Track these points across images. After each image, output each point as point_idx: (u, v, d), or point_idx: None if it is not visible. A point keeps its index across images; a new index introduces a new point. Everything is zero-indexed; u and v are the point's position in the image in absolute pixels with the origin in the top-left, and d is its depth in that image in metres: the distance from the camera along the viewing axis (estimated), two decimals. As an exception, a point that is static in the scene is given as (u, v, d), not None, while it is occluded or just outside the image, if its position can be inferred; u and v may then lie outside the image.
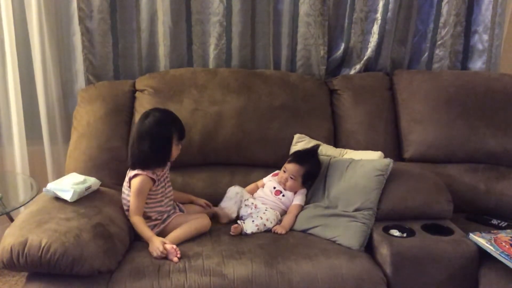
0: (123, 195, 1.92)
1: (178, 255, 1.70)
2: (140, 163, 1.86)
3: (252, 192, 2.14)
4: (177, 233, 1.84)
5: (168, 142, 1.88)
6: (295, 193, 2.11)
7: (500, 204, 2.19)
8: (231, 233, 1.90)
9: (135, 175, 1.86)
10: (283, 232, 1.95)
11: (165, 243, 1.75)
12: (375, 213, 1.90)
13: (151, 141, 1.84)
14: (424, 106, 2.34)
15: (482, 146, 2.29)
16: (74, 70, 2.45)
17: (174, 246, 1.72)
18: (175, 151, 1.92)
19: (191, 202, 2.11)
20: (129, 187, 1.88)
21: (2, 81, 2.37)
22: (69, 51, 2.44)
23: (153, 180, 1.87)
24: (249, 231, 1.91)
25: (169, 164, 1.99)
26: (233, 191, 2.08)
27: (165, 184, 1.96)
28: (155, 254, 1.72)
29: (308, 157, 2.11)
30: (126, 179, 1.92)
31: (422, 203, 1.94)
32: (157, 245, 1.74)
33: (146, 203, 1.89)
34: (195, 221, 1.90)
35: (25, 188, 2.32)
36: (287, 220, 2.01)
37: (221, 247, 1.80)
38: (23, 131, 2.42)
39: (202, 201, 2.11)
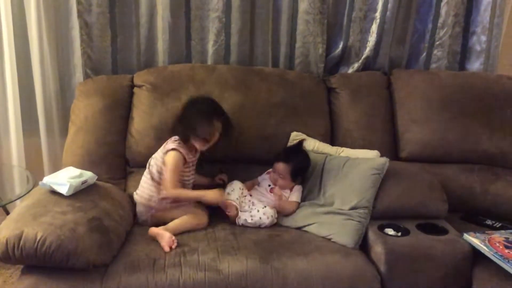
0: (153, 160, 1.97)
1: (173, 246, 1.73)
2: (184, 129, 1.92)
3: (249, 190, 2.14)
4: (177, 224, 1.86)
5: (209, 113, 1.94)
6: (291, 190, 2.12)
7: (495, 205, 2.19)
8: (227, 212, 1.95)
9: (173, 149, 1.91)
10: (280, 195, 2.04)
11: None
12: (370, 211, 1.91)
13: (202, 114, 1.93)
14: (421, 105, 2.35)
15: (478, 147, 2.30)
16: (72, 64, 2.45)
17: (173, 237, 1.75)
18: (214, 137, 1.95)
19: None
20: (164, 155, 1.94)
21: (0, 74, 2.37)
22: (67, 45, 2.43)
23: (185, 160, 1.92)
24: (242, 219, 1.95)
25: (198, 153, 2.04)
26: (237, 185, 2.08)
27: (191, 170, 2.00)
28: (215, 201, 1.89)
29: (293, 154, 2.13)
30: (162, 148, 1.97)
31: (418, 202, 1.95)
32: (215, 194, 1.89)
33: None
34: (194, 216, 1.92)
35: (21, 181, 2.31)
36: (286, 201, 2.07)
37: (216, 242, 1.81)
38: (20, 124, 2.41)
39: (218, 179, 2.17)
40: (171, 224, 1.86)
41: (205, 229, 1.92)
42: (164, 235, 1.77)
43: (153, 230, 1.80)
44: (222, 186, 2.10)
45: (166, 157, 1.94)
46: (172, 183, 1.90)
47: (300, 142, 2.19)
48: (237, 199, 2.01)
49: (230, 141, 2.06)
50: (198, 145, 1.96)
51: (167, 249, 1.72)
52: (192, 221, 1.91)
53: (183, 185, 1.98)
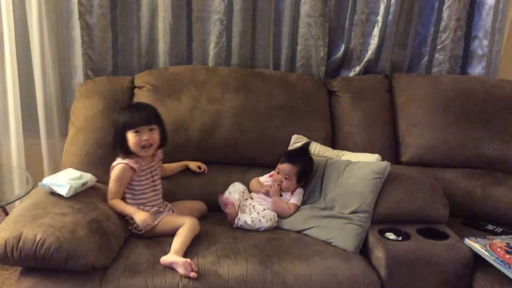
0: None
1: (195, 269, 1.62)
2: (115, 151, 1.92)
3: (257, 189, 2.13)
4: (181, 243, 1.74)
5: (121, 128, 1.89)
6: (292, 193, 2.11)
7: (496, 210, 2.18)
8: (225, 209, 1.95)
9: (116, 164, 1.90)
10: (273, 190, 2.04)
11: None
12: (371, 215, 1.90)
13: (114, 128, 1.93)
14: (423, 109, 2.34)
15: (479, 151, 2.29)
16: (73, 65, 2.45)
17: (188, 260, 1.63)
18: (133, 139, 1.87)
19: (187, 167, 2.16)
20: None
21: (0, 74, 2.36)
22: (68, 46, 2.43)
23: (133, 169, 1.88)
24: (241, 220, 1.94)
25: (158, 156, 2.01)
26: (240, 187, 2.08)
27: (153, 177, 1.96)
28: (142, 226, 1.79)
29: (300, 156, 2.13)
30: (111, 167, 1.94)
31: (418, 207, 1.94)
32: (143, 216, 1.79)
33: (130, 192, 1.91)
34: (187, 227, 1.82)
35: (20, 182, 2.31)
36: (283, 202, 2.06)
37: (216, 246, 1.80)
38: (20, 125, 2.41)
39: (195, 164, 2.16)
40: (176, 246, 1.72)
41: (205, 232, 1.91)
42: (178, 262, 1.63)
43: (165, 260, 1.66)
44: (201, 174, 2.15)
45: (112, 170, 1.91)
46: (111, 194, 1.88)
47: (307, 144, 2.19)
48: (237, 199, 2.01)
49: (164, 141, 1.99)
50: (137, 159, 1.91)
51: (194, 275, 1.60)
52: (189, 231, 1.82)
53: (149, 194, 1.94)
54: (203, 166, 2.19)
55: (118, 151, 1.91)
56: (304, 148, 2.17)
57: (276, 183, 2.09)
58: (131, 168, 1.88)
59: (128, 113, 1.91)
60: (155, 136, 1.92)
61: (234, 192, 2.05)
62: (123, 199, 1.92)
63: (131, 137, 1.88)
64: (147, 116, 1.91)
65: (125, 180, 1.89)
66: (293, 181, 2.09)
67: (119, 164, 1.89)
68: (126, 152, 1.90)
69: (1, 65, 2.35)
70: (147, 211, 1.88)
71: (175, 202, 2.07)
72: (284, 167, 2.10)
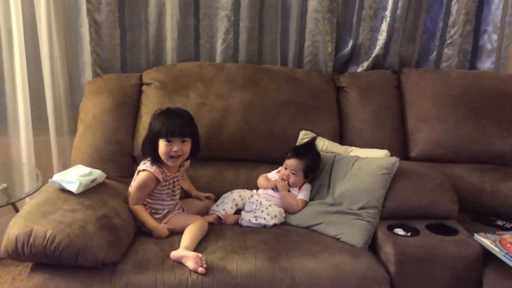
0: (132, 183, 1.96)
1: (204, 265, 1.61)
2: (144, 154, 1.92)
3: (264, 185, 2.13)
4: (190, 240, 1.74)
5: (154, 136, 1.89)
6: (299, 188, 2.11)
7: (506, 205, 2.17)
8: (226, 222, 1.96)
9: (144, 170, 1.89)
10: (281, 185, 2.05)
11: (168, 229, 1.86)
12: (380, 211, 1.90)
13: (147, 133, 1.94)
14: (432, 105, 2.33)
15: (489, 147, 2.28)
16: (81, 62, 2.46)
17: (199, 255, 1.63)
18: (163, 147, 1.86)
19: (191, 195, 2.13)
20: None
21: (9, 71, 2.37)
22: (76, 43, 2.44)
23: (158, 181, 1.89)
24: (245, 219, 1.94)
25: (184, 166, 2.02)
26: (230, 197, 2.05)
27: (174, 186, 1.96)
28: (156, 236, 1.82)
29: (307, 151, 2.12)
30: (137, 168, 1.95)
31: (428, 202, 1.93)
32: (163, 232, 1.83)
33: (149, 197, 1.92)
34: (197, 225, 1.83)
35: (30, 179, 2.32)
36: (291, 197, 2.06)
37: (224, 242, 1.80)
38: (30, 122, 2.42)
39: (204, 195, 2.13)
40: (186, 242, 1.72)
41: (213, 228, 1.91)
42: (188, 256, 1.63)
43: (175, 254, 1.66)
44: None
45: (138, 176, 1.91)
46: (133, 199, 1.88)
47: (313, 139, 2.19)
48: (223, 210, 2.00)
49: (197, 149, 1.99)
50: (165, 168, 1.91)
51: (202, 270, 1.59)
52: (199, 229, 1.82)
53: (166, 201, 1.94)
54: (211, 196, 2.15)
55: (147, 155, 1.92)
56: (311, 143, 2.17)
57: (283, 178, 2.08)
58: (156, 178, 1.88)
59: (164, 121, 1.87)
60: (186, 148, 1.90)
61: (225, 204, 2.03)
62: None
63: (162, 145, 1.86)
64: (181, 127, 1.87)
65: (149, 188, 1.89)
66: (300, 176, 2.09)
67: (145, 171, 1.88)
68: (155, 158, 1.90)
69: (10, 62, 2.36)
70: (159, 213, 1.91)
71: (185, 200, 2.08)
72: (291, 162, 2.10)
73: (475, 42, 2.59)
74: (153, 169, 1.88)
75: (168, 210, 1.95)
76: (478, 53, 2.61)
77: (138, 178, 1.89)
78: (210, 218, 1.98)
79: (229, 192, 2.09)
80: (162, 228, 1.85)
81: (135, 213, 1.87)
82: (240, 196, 2.07)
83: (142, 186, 1.88)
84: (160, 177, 1.88)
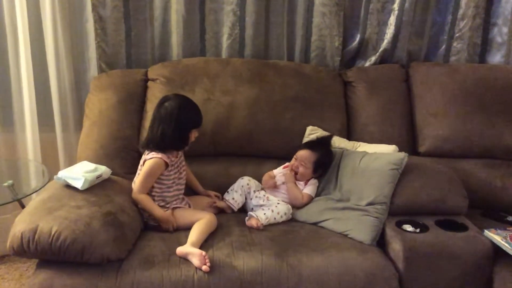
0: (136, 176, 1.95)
1: (208, 263, 1.60)
2: (158, 145, 1.89)
3: (268, 185, 2.10)
4: (198, 236, 1.74)
5: (189, 127, 1.92)
6: (305, 183, 2.09)
7: (516, 201, 2.14)
8: (253, 226, 1.89)
9: (151, 158, 1.88)
10: (290, 174, 2.06)
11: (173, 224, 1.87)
12: (388, 207, 1.88)
13: (174, 124, 1.88)
14: (441, 99, 2.30)
15: (499, 142, 2.25)
16: (87, 58, 2.45)
17: (204, 253, 1.63)
18: (193, 136, 1.95)
19: (198, 193, 2.13)
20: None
21: (15, 68, 2.37)
22: (81, 39, 2.44)
23: (167, 164, 1.89)
24: (264, 223, 1.91)
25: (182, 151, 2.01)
26: (239, 184, 2.07)
27: (179, 170, 1.98)
28: (161, 221, 1.85)
29: (321, 145, 2.11)
30: (141, 162, 1.94)
31: (437, 198, 1.91)
32: (171, 220, 1.86)
33: (155, 187, 1.91)
34: (205, 221, 1.83)
35: (36, 175, 2.33)
36: (297, 189, 2.05)
37: (231, 238, 1.79)
38: (36, 118, 2.42)
39: (212, 193, 2.12)
40: (193, 238, 1.72)
41: (220, 225, 1.90)
42: (194, 253, 1.63)
43: (181, 250, 1.66)
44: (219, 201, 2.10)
45: (145, 164, 1.90)
46: (140, 188, 1.88)
47: (330, 136, 2.17)
48: (240, 195, 2.04)
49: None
50: (175, 154, 1.96)
51: (206, 268, 1.59)
52: (207, 226, 1.81)
53: (174, 188, 1.95)
54: (218, 195, 2.14)
55: (174, 145, 1.92)
56: (327, 140, 2.16)
57: (292, 169, 2.07)
58: (165, 163, 1.89)
59: (196, 111, 1.96)
60: None
61: (235, 192, 2.05)
62: (149, 193, 1.92)
63: (194, 134, 1.95)
64: None
65: (157, 174, 1.90)
66: (309, 169, 2.07)
67: (154, 158, 1.88)
68: (179, 147, 1.94)
69: (16, 59, 2.36)
70: (167, 207, 1.91)
71: (192, 196, 2.07)
72: (302, 153, 2.09)
73: (485, 35, 2.56)
74: (160, 154, 1.88)
75: (176, 200, 1.95)
76: (488, 47, 2.57)
77: (146, 165, 1.89)
78: (222, 203, 2.03)
79: (240, 178, 2.10)
80: (168, 215, 1.87)
81: (141, 202, 1.87)
82: (248, 184, 2.07)
83: (150, 173, 1.88)
84: (168, 160, 1.89)
